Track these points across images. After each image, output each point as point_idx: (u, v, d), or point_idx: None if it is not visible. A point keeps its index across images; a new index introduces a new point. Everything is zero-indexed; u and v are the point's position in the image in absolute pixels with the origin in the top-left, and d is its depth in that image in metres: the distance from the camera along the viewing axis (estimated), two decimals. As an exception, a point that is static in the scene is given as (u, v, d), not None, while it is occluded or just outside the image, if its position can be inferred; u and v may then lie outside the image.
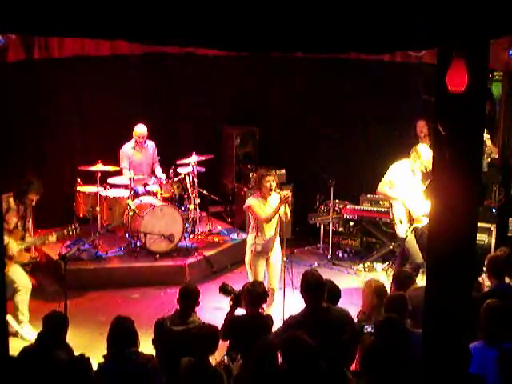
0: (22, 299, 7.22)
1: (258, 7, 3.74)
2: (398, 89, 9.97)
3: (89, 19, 3.76)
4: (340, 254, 10.02)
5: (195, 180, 9.64)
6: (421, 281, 7.81)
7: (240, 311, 5.96)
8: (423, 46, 5.40)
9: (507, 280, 6.35)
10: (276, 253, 7.42)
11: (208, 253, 9.37)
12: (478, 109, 4.41)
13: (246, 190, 10.33)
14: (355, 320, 5.75)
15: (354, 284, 8.67)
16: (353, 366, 5.49)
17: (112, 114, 10.16)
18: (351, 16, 3.82)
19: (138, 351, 5.06)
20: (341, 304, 5.80)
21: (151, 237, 8.95)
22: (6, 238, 6.88)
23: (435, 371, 4.52)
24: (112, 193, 9.29)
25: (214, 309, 7.48)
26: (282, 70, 10.58)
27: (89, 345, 6.84)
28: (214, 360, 5.30)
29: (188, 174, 9.62)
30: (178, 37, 3.98)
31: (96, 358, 5.19)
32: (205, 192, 10.00)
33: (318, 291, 5.42)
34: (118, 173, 9.49)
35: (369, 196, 9.84)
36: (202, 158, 9.71)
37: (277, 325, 5.96)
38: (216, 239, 9.82)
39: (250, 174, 10.36)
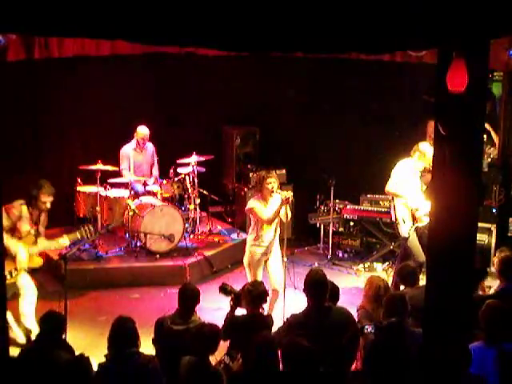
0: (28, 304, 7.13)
1: (258, 7, 3.74)
2: (397, 89, 9.96)
3: (89, 19, 3.76)
4: (340, 254, 10.03)
5: (195, 180, 9.65)
6: (422, 280, 7.84)
7: (240, 311, 5.97)
8: (423, 46, 5.40)
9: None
10: (275, 254, 7.41)
11: (208, 253, 9.37)
12: (477, 109, 4.41)
13: (246, 190, 10.33)
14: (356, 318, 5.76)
15: (354, 284, 8.67)
16: (353, 366, 5.50)
17: (112, 113, 10.16)
18: (351, 16, 3.82)
19: (139, 351, 5.06)
20: (340, 304, 5.81)
21: (151, 237, 8.96)
22: (14, 248, 6.82)
23: (435, 371, 4.52)
24: (112, 193, 9.30)
25: (214, 309, 7.48)
26: (282, 69, 10.58)
27: (89, 345, 6.84)
28: (214, 359, 5.30)
29: (188, 174, 9.62)
30: (178, 37, 3.98)
31: (96, 357, 5.19)
32: (205, 192, 10.00)
33: (321, 290, 5.43)
34: (118, 173, 9.50)
35: (369, 196, 9.85)
36: (202, 158, 9.72)
37: (277, 325, 5.96)
38: (216, 239, 9.82)
39: (251, 174, 10.36)
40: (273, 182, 7.21)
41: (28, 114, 9.75)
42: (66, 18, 3.74)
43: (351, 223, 10.01)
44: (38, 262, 7.14)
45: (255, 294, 5.75)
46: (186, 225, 9.36)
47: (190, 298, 5.71)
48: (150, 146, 9.83)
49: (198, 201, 9.73)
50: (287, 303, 7.25)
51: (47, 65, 9.29)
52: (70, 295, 6.75)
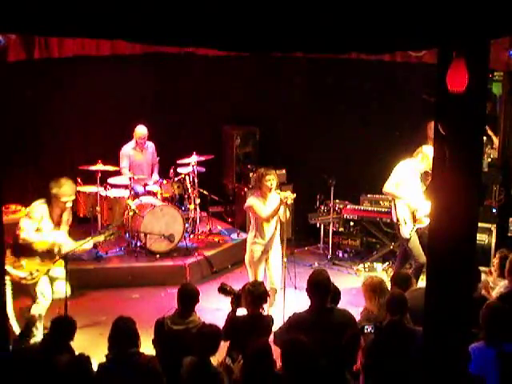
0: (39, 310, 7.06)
1: (258, 7, 3.74)
2: (398, 89, 9.96)
3: (89, 19, 3.75)
4: (340, 254, 10.03)
5: (195, 180, 9.65)
6: (422, 281, 7.84)
7: (240, 311, 5.97)
8: (423, 46, 5.40)
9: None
10: (276, 252, 7.42)
11: (208, 253, 9.37)
12: (478, 109, 4.40)
13: (246, 190, 10.33)
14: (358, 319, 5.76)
15: (354, 284, 8.66)
16: (354, 367, 5.49)
17: (112, 113, 10.17)
18: (351, 16, 3.81)
19: (139, 352, 5.06)
20: (340, 304, 5.81)
21: (151, 237, 8.95)
22: (51, 238, 6.81)
23: (435, 371, 4.52)
24: (112, 193, 9.30)
25: (214, 309, 7.48)
26: (282, 69, 10.59)
27: (89, 345, 6.84)
28: (215, 360, 5.30)
29: (188, 174, 9.62)
30: (177, 37, 3.98)
31: (96, 357, 5.19)
32: (205, 192, 10.01)
33: (324, 291, 5.44)
34: (118, 173, 9.50)
35: (369, 196, 9.85)
36: (202, 158, 9.72)
37: (277, 325, 5.96)
38: (216, 239, 9.83)
39: (250, 174, 10.36)
40: (272, 179, 7.23)
41: (28, 113, 9.76)
42: (66, 18, 3.74)
43: (351, 223, 10.01)
44: (60, 263, 7.04)
45: (256, 295, 5.76)
46: (186, 225, 9.36)
47: (189, 298, 5.71)
48: (150, 146, 9.83)
49: (198, 201, 9.73)
50: (287, 303, 7.26)
51: (47, 65, 9.29)
52: (70, 295, 6.76)
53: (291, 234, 9.76)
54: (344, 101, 10.36)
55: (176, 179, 9.56)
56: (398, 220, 8.03)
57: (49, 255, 6.91)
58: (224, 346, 5.56)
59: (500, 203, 8.86)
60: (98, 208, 9.15)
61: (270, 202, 7.31)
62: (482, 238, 8.51)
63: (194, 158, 9.56)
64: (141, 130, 9.60)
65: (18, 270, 6.83)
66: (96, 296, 8.41)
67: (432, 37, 3.96)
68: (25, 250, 6.83)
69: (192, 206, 9.63)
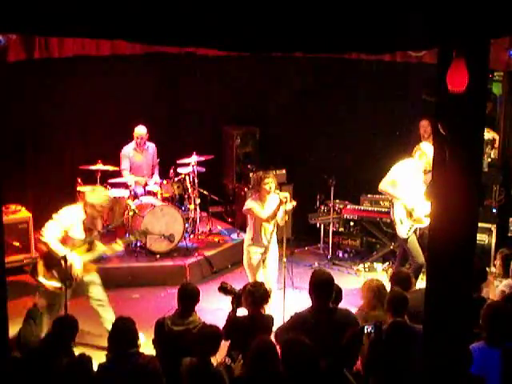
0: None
1: (258, 7, 3.74)
2: (398, 89, 9.96)
3: (89, 19, 3.75)
4: (340, 254, 10.03)
5: (195, 180, 9.65)
6: (422, 281, 7.84)
7: (240, 310, 5.97)
8: (423, 46, 5.39)
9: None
10: (272, 253, 7.44)
11: (208, 253, 9.37)
12: (478, 109, 4.40)
13: (246, 190, 10.33)
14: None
15: (354, 284, 8.66)
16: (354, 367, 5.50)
17: (112, 113, 10.17)
18: (351, 16, 3.81)
19: (139, 352, 5.06)
20: (340, 304, 5.81)
21: (151, 237, 8.95)
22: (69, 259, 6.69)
23: (435, 371, 4.52)
24: (112, 193, 9.30)
25: (214, 309, 7.48)
26: (282, 69, 10.59)
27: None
28: (215, 360, 5.30)
29: (188, 174, 9.62)
30: (178, 37, 3.97)
31: (96, 357, 5.19)
32: (205, 192, 10.01)
33: (326, 291, 5.44)
34: (118, 173, 9.50)
35: (369, 196, 9.85)
36: (203, 158, 9.72)
37: (277, 325, 5.96)
38: (216, 239, 9.83)
39: (251, 174, 10.36)
40: (270, 182, 7.27)
41: (28, 114, 9.75)
42: (66, 18, 3.74)
43: (351, 223, 10.01)
44: (93, 268, 7.04)
45: (257, 295, 5.76)
46: (186, 225, 9.36)
47: (189, 298, 5.72)
48: (151, 147, 9.82)
49: (198, 201, 9.73)
50: (287, 303, 7.26)
51: (47, 65, 9.29)
52: (70, 295, 6.76)
53: (291, 234, 9.76)
54: (344, 101, 10.36)
55: (176, 179, 9.56)
56: (394, 219, 8.06)
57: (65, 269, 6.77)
58: (224, 345, 5.56)
59: (500, 203, 8.86)
60: (98, 208, 9.13)
61: (269, 203, 7.34)
62: (482, 237, 8.51)
63: (194, 158, 9.57)
64: (139, 130, 9.60)
65: (51, 280, 6.79)
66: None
67: (432, 37, 3.96)
68: (54, 260, 6.75)
69: (192, 206, 9.63)
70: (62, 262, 6.69)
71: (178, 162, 9.66)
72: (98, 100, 10.01)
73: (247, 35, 3.90)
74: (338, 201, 9.96)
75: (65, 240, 6.83)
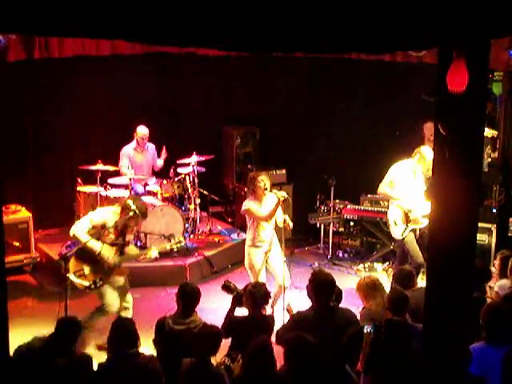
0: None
1: (258, 7, 3.74)
2: (398, 89, 9.96)
3: (89, 19, 3.75)
4: (340, 254, 10.03)
5: (195, 180, 9.65)
6: (421, 280, 7.83)
7: (240, 310, 5.97)
8: (423, 45, 5.40)
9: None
10: (275, 251, 7.44)
11: (208, 253, 9.36)
12: (478, 109, 4.41)
13: (246, 190, 10.31)
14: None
15: (354, 284, 8.65)
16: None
17: (112, 113, 10.17)
18: (352, 16, 3.81)
19: (139, 352, 5.06)
20: (340, 304, 5.81)
21: (151, 237, 8.95)
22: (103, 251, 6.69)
23: (435, 371, 4.52)
24: (112, 193, 9.30)
25: (214, 309, 7.47)
26: (282, 70, 10.58)
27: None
28: (214, 360, 5.30)
29: (188, 174, 9.62)
30: (178, 37, 3.98)
31: (96, 357, 5.19)
32: (205, 192, 10.01)
33: (327, 291, 5.45)
34: (118, 173, 9.49)
35: (369, 196, 9.85)
36: (203, 158, 9.72)
37: (278, 325, 5.97)
38: (216, 239, 9.82)
39: (250, 174, 10.35)
40: (263, 179, 7.28)
41: (28, 114, 9.76)
42: (66, 18, 3.74)
43: (351, 223, 10.01)
44: (123, 272, 6.97)
45: (257, 296, 5.76)
46: (186, 225, 9.36)
47: (190, 298, 5.71)
48: (150, 147, 9.83)
49: (198, 201, 9.73)
50: (287, 303, 7.26)
51: (47, 65, 9.29)
52: (69, 295, 6.75)
53: (291, 234, 9.75)
54: (344, 101, 10.35)
55: (176, 179, 9.56)
56: (388, 221, 8.07)
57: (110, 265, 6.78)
58: (224, 345, 5.56)
59: (500, 203, 8.86)
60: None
61: (266, 202, 7.35)
62: (482, 237, 8.50)
63: (194, 158, 9.56)
64: (142, 130, 9.60)
65: (80, 279, 6.74)
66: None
67: (432, 37, 3.97)
68: (88, 256, 6.72)
69: (192, 206, 9.63)
70: (62, 263, 6.69)
71: (178, 161, 9.66)
72: (98, 100, 10.01)
73: (247, 35, 3.90)
74: (338, 201, 9.96)
75: (98, 236, 6.75)
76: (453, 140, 4.33)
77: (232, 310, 5.95)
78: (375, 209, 9.76)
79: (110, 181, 9.32)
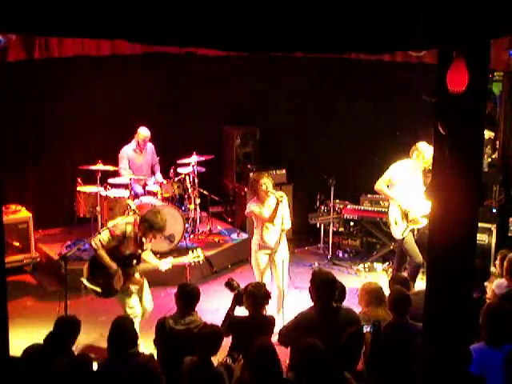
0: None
1: (258, 7, 3.74)
2: (398, 89, 9.96)
3: (89, 19, 3.75)
4: (340, 254, 10.03)
5: (195, 180, 9.65)
6: (421, 280, 7.84)
7: (241, 310, 5.97)
8: (423, 45, 5.39)
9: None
10: (281, 253, 7.45)
11: (208, 253, 9.35)
12: (478, 109, 4.41)
13: (246, 190, 10.33)
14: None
15: (354, 284, 8.67)
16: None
17: (112, 114, 10.17)
18: (351, 16, 3.81)
19: (139, 352, 5.06)
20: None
21: (151, 237, 8.93)
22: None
23: (435, 371, 4.52)
24: (112, 193, 9.30)
25: (214, 309, 7.48)
26: (282, 69, 10.58)
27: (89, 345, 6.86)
28: (216, 360, 5.31)
29: (188, 174, 9.62)
30: (177, 37, 3.97)
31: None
32: (205, 192, 10.01)
33: (328, 290, 5.45)
34: (118, 173, 9.49)
35: (369, 196, 9.85)
36: (203, 158, 9.72)
37: (278, 325, 5.97)
38: (216, 239, 9.82)
39: (251, 174, 10.36)
40: (265, 182, 7.30)
41: (28, 113, 9.76)
42: (66, 18, 3.74)
43: (351, 223, 10.02)
44: (139, 282, 6.89)
45: (257, 296, 5.76)
46: (186, 225, 9.36)
47: (190, 298, 5.72)
48: (149, 147, 9.83)
49: (198, 201, 9.73)
50: (287, 303, 7.26)
51: (47, 65, 9.30)
52: (69, 295, 6.76)
53: (291, 234, 9.75)
54: (344, 101, 10.35)
55: (176, 179, 9.56)
56: (388, 220, 8.06)
57: (126, 275, 6.73)
58: (224, 346, 5.56)
59: (500, 203, 8.86)
60: (98, 208, 9.14)
61: (269, 203, 7.37)
62: (482, 237, 8.50)
63: (194, 158, 9.56)
64: (144, 132, 9.59)
65: (93, 285, 6.70)
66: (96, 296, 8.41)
67: (432, 37, 3.96)
68: (99, 269, 6.68)
69: (192, 206, 9.63)
70: (62, 263, 6.68)
71: (178, 161, 9.66)
72: (98, 100, 10.00)
73: (247, 35, 3.90)
74: (338, 201, 9.96)
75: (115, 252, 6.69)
76: (453, 140, 4.33)
77: (232, 308, 5.95)
78: (375, 209, 9.77)
79: (110, 181, 9.32)
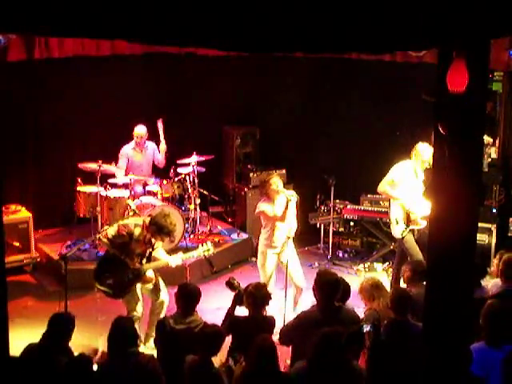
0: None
1: (258, 7, 3.74)
2: (398, 89, 9.96)
3: (89, 19, 3.75)
4: (340, 254, 10.03)
5: (195, 180, 9.65)
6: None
7: (241, 310, 5.97)
8: (423, 45, 5.39)
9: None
10: (291, 252, 7.49)
11: (208, 253, 9.35)
12: (478, 109, 4.41)
13: (246, 190, 10.33)
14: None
15: (355, 284, 8.66)
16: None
17: (112, 113, 10.16)
18: (352, 16, 3.81)
19: (139, 351, 5.06)
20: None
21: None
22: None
23: (436, 371, 4.52)
24: (112, 193, 9.30)
25: (214, 309, 7.48)
26: (282, 69, 10.58)
27: (89, 345, 6.85)
28: (217, 361, 5.31)
29: (188, 174, 9.62)
30: (177, 37, 3.97)
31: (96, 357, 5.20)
32: (205, 192, 10.01)
33: (332, 290, 5.46)
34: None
35: (369, 196, 9.85)
36: (203, 158, 9.72)
37: (278, 325, 5.97)
38: (216, 239, 9.82)
39: (251, 174, 10.37)
40: (275, 181, 7.38)
41: (28, 113, 9.76)
42: (66, 18, 3.74)
43: (351, 223, 10.02)
44: (151, 279, 6.88)
45: (258, 296, 5.77)
46: (186, 225, 9.36)
47: (190, 297, 5.72)
48: (150, 146, 9.83)
49: (198, 201, 9.73)
50: (287, 302, 7.26)
51: (47, 65, 9.29)
52: (69, 295, 6.76)
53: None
54: (344, 101, 10.35)
55: (176, 179, 9.56)
56: (389, 220, 8.07)
57: (135, 273, 6.74)
58: (225, 346, 5.56)
59: (500, 203, 8.86)
60: (98, 208, 9.14)
61: (279, 202, 7.45)
62: (482, 237, 8.50)
63: (193, 158, 9.56)
64: (139, 130, 9.60)
65: (104, 287, 6.72)
66: (96, 296, 8.40)
67: (432, 37, 3.96)
68: (108, 268, 6.72)
69: (192, 206, 9.63)
70: (62, 263, 6.69)
71: (178, 161, 9.66)
72: (98, 100, 10.00)
73: (247, 35, 3.90)
74: (338, 201, 9.96)
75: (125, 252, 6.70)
76: (453, 140, 4.33)
77: (232, 307, 5.96)
78: (375, 209, 9.77)
79: (110, 181, 9.32)
